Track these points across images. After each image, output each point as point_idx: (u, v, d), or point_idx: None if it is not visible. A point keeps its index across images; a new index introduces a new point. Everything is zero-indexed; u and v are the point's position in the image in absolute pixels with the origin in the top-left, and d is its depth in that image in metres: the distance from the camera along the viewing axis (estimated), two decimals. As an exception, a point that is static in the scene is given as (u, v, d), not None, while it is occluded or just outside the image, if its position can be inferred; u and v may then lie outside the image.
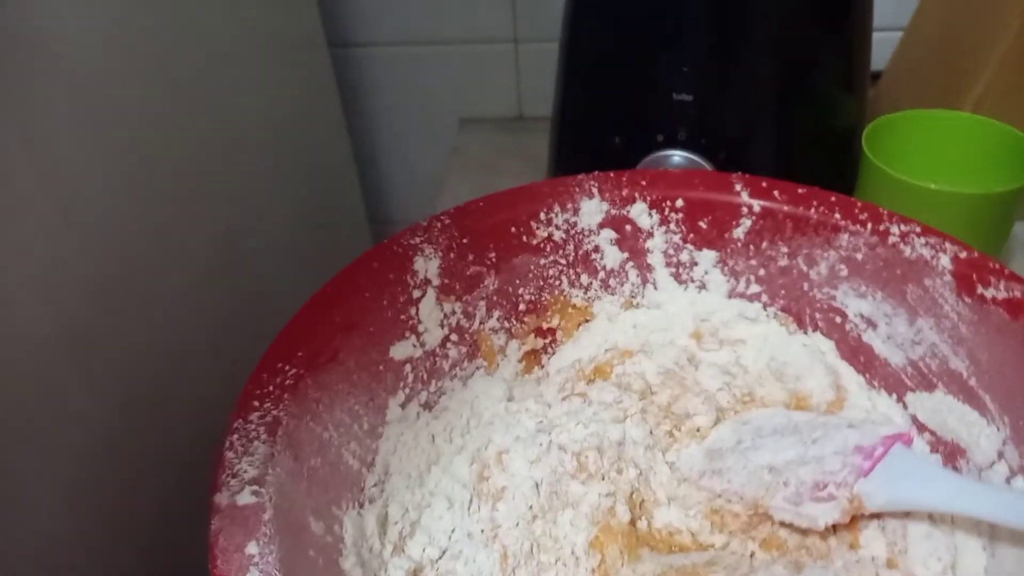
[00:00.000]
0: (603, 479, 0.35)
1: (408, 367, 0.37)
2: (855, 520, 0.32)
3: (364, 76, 0.73)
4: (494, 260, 0.39)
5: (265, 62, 0.55)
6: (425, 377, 0.38)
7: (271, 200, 0.57)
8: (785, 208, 0.39)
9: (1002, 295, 0.32)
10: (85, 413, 0.38)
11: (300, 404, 0.31)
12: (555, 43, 0.50)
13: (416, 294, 0.37)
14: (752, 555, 0.33)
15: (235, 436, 0.28)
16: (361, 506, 0.32)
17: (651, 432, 0.37)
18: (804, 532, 0.33)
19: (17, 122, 0.33)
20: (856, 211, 0.37)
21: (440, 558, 0.33)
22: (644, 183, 0.41)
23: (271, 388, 0.30)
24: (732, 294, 0.41)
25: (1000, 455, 0.31)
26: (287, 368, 0.31)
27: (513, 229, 0.40)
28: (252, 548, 0.25)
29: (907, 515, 0.32)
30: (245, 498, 0.26)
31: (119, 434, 0.41)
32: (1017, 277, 0.33)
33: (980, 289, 0.33)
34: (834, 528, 0.33)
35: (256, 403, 0.30)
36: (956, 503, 0.29)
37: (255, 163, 0.54)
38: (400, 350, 0.36)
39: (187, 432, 0.46)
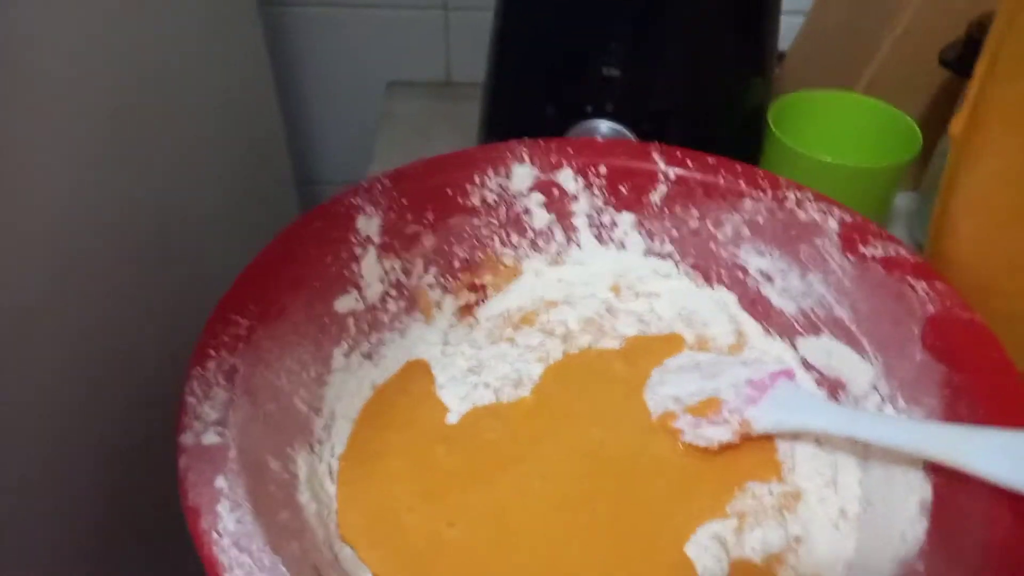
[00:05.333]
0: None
1: (351, 320, 0.39)
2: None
3: (293, 38, 0.72)
4: (431, 220, 0.42)
5: (196, 22, 0.55)
6: (367, 329, 0.40)
7: (202, 164, 0.57)
8: (697, 176, 0.43)
9: (880, 253, 0.37)
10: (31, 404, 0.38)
11: (254, 353, 0.33)
12: (483, 11, 0.52)
13: (358, 251, 0.39)
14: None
15: (195, 383, 0.30)
16: (311, 448, 0.35)
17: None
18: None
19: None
20: (759, 179, 0.42)
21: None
22: (571, 151, 0.44)
23: (226, 338, 0.32)
24: (648, 253, 0.45)
25: (874, 387, 0.36)
26: (240, 320, 0.33)
27: (449, 191, 0.42)
28: (220, 482, 0.27)
29: (795, 439, 0.37)
30: (210, 438, 0.28)
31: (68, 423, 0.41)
32: (893, 238, 0.38)
33: (861, 248, 0.38)
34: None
35: (212, 352, 0.31)
36: (830, 425, 0.35)
37: (186, 128, 0.54)
38: (343, 304, 0.39)
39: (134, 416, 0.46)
